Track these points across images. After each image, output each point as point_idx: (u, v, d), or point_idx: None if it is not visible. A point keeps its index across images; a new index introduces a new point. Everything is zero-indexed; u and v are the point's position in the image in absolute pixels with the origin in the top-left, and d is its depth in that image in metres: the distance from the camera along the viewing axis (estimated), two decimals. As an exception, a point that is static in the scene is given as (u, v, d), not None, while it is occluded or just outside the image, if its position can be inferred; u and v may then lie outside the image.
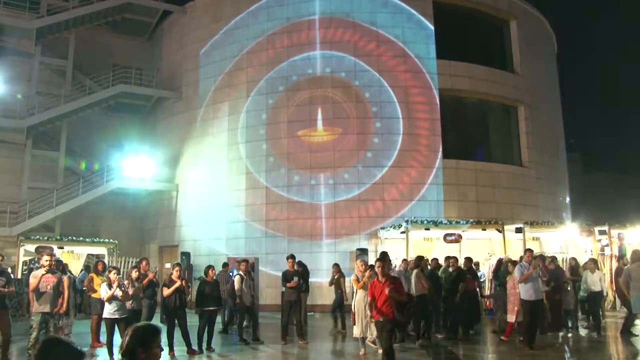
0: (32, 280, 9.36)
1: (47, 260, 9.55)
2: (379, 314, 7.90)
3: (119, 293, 9.67)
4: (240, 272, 12.31)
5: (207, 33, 23.20)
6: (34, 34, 22.73)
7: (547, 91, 25.17)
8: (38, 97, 22.84)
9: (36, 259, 16.51)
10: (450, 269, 12.78)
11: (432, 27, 21.23)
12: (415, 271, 11.65)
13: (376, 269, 8.14)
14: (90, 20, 24.54)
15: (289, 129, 20.46)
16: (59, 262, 12.48)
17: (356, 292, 10.59)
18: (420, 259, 12.19)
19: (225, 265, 15.83)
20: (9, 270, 11.29)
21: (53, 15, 23.23)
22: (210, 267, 11.54)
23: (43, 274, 9.34)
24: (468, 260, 13.81)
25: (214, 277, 11.61)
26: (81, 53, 24.77)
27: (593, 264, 13.21)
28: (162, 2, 25.13)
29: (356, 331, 10.35)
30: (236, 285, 12.08)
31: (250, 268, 13.00)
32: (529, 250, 11.28)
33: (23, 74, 23.84)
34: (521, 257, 12.42)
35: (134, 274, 10.66)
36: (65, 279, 10.84)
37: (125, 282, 10.25)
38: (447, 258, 13.14)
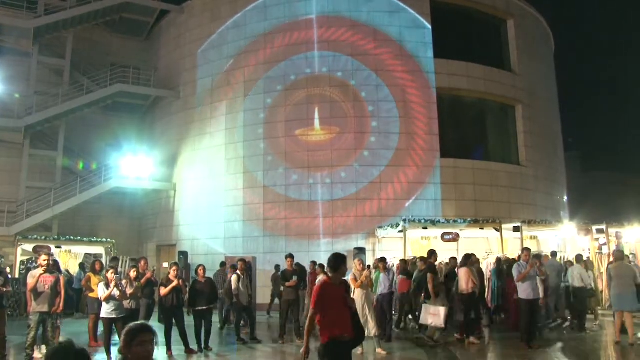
0: (30, 280, 9.36)
1: (45, 260, 9.56)
2: (341, 331, 5.34)
3: (116, 293, 9.67)
4: (238, 272, 12.31)
5: (204, 32, 23.19)
6: (31, 33, 22.71)
7: (544, 90, 25.20)
8: (36, 96, 22.81)
9: (33, 259, 16.50)
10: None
11: (430, 26, 21.24)
12: (463, 269, 11.61)
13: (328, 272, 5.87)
14: (88, 19, 24.53)
15: (286, 128, 20.46)
16: (54, 262, 12.45)
17: (354, 292, 10.60)
18: (468, 257, 12.09)
19: (222, 264, 15.84)
20: (8, 270, 11.32)
21: (51, 14, 23.18)
22: (199, 266, 11.49)
23: (41, 274, 9.35)
24: (402, 262, 14.01)
25: (205, 276, 11.46)
26: (79, 52, 24.78)
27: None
28: (160, 1, 25.09)
29: None
30: (233, 285, 12.08)
31: (247, 267, 13.00)
32: (527, 249, 11.32)
33: (21, 73, 23.84)
34: (519, 256, 12.45)
35: (133, 274, 10.66)
36: (60, 278, 10.85)
37: (124, 281, 10.24)
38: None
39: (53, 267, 11.32)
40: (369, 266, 12.57)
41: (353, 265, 10.88)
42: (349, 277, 10.98)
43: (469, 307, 11.21)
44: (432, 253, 11.84)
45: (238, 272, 12.27)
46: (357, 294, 10.26)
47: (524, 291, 10.57)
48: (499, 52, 23.64)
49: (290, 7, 21.35)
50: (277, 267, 16.38)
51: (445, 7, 21.87)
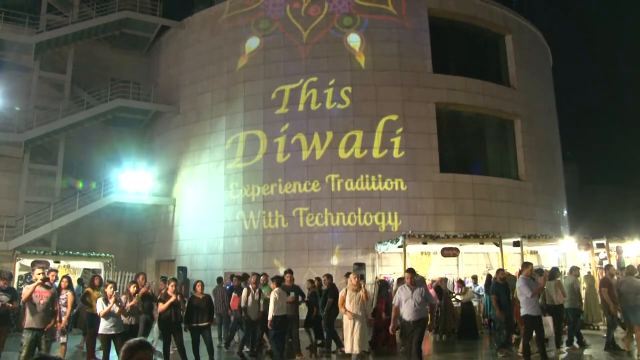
0: (25, 291, 9.21)
1: (39, 274, 9.43)
2: None
3: (115, 308, 9.60)
4: (250, 285, 12.23)
5: (204, 47, 23.34)
6: (33, 48, 22.85)
7: (543, 104, 25.29)
8: (36, 111, 22.87)
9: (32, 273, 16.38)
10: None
11: (429, 42, 21.40)
12: (554, 281, 12.13)
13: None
14: (89, 35, 24.66)
15: (286, 143, 20.50)
16: (67, 278, 12.21)
17: (350, 301, 10.42)
18: (556, 270, 12.82)
19: (220, 280, 15.74)
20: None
21: (52, 30, 23.34)
22: (198, 282, 11.40)
23: (35, 287, 9.22)
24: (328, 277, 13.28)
25: (203, 293, 11.36)
26: (80, 67, 24.87)
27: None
28: (160, 17, 25.27)
29: (347, 347, 10.25)
30: (242, 298, 12.01)
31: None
32: (529, 264, 11.16)
33: (22, 88, 23.88)
34: (519, 272, 12.41)
35: (132, 289, 10.56)
36: (69, 294, 10.76)
37: (123, 297, 10.17)
38: (500, 270, 13.00)
39: (67, 284, 11.18)
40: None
41: (348, 281, 10.75)
42: (340, 293, 10.86)
43: (560, 318, 11.31)
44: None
45: (250, 285, 12.20)
46: (350, 308, 10.11)
47: (532, 307, 10.29)
48: (497, 66, 23.79)
49: (288, 23, 21.49)
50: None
51: (444, 22, 22.07)
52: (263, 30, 21.91)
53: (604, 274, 13.69)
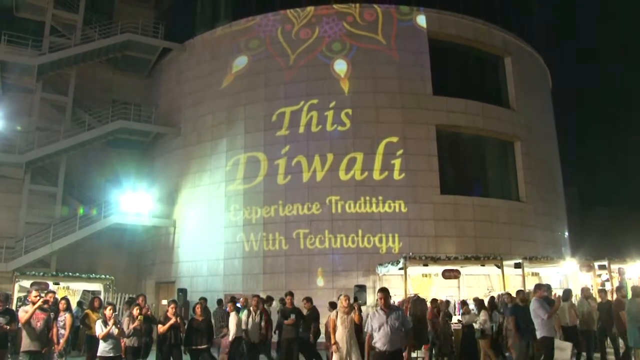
0: (23, 315, 9.14)
1: (36, 296, 9.37)
2: None
3: (114, 331, 9.51)
4: (250, 307, 12.14)
5: (205, 69, 23.50)
6: (35, 70, 23.00)
7: (542, 126, 25.38)
8: (37, 132, 22.90)
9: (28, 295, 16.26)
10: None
11: (429, 64, 21.56)
12: (567, 303, 12.04)
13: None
14: (92, 57, 24.85)
15: (287, 164, 20.53)
16: (66, 299, 12.12)
17: (342, 322, 10.18)
18: (569, 292, 12.69)
19: (220, 302, 15.64)
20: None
21: (55, 52, 23.52)
22: (197, 304, 11.29)
23: (35, 310, 9.16)
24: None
25: (203, 315, 11.26)
26: (81, 89, 25.01)
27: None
28: (162, 39, 25.50)
29: None
30: (243, 320, 11.91)
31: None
32: (542, 286, 10.91)
33: (23, 109, 24.01)
34: (518, 292, 12.26)
35: (135, 311, 10.45)
36: (67, 317, 10.66)
37: (125, 319, 10.08)
38: (520, 291, 12.75)
39: (63, 307, 11.10)
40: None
41: (339, 302, 10.46)
42: (330, 316, 10.54)
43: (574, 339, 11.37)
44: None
45: (251, 307, 12.11)
46: (339, 332, 9.84)
47: (549, 329, 10.08)
48: (497, 89, 23.92)
49: (289, 45, 21.67)
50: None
51: (444, 45, 22.25)
52: (252, 50, 22.17)
53: (615, 296, 13.53)
